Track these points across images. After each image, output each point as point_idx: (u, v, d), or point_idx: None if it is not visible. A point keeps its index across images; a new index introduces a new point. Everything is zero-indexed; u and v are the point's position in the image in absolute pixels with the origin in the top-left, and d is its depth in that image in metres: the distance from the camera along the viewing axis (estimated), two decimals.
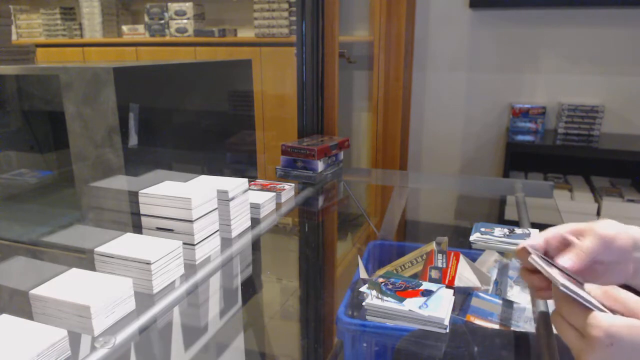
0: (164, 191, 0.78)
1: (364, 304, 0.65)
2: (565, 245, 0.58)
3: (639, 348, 0.41)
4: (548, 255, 0.58)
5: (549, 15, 2.37)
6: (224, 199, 0.86)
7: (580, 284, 0.51)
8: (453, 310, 0.64)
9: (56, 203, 1.33)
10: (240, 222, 0.91)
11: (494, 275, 0.96)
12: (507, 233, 0.89)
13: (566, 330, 0.48)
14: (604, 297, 0.49)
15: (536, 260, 0.53)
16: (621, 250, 0.55)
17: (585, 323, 0.45)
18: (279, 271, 1.29)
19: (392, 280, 0.75)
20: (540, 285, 0.57)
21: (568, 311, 0.48)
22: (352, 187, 1.45)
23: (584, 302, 0.46)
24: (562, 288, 0.47)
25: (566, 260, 0.55)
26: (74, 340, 0.56)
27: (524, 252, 0.55)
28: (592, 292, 0.50)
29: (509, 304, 0.85)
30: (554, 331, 0.58)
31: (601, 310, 0.46)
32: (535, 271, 0.56)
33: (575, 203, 2.16)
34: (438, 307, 0.62)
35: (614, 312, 0.47)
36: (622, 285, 0.54)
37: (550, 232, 0.59)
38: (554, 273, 0.50)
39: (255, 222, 0.98)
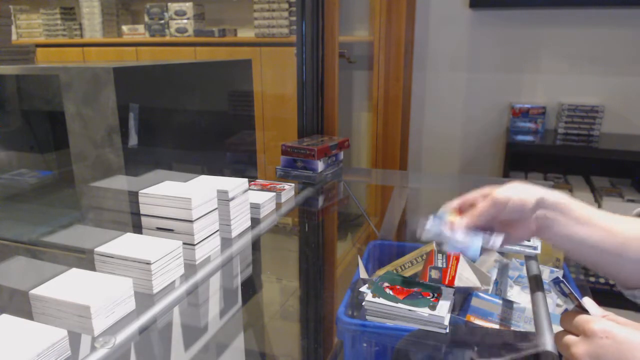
0: (164, 191, 0.78)
1: (363, 303, 0.65)
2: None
3: (628, 343, 0.47)
4: (462, 212, 0.68)
5: (549, 15, 2.37)
6: (224, 199, 0.86)
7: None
8: (453, 310, 0.64)
9: (56, 203, 1.33)
10: (240, 222, 0.91)
11: (494, 275, 0.96)
12: None
13: (566, 338, 0.53)
14: None
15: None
16: (518, 211, 0.62)
17: (586, 322, 0.50)
18: (279, 271, 1.29)
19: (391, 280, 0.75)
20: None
21: (571, 322, 0.53)
22: (352, 187, 1.45)
23: (587, 306, 0.52)
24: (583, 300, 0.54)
25: (459, 221, 0.65)
26: (74, 340, 0.56)
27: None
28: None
29: (509, 304, 0.85)
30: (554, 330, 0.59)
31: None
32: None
33: None
34: (438, 307, 0.62)
35: None
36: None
37: (465, 196, 0.69)
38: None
39: (255, 222, 0.98)
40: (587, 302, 0.53)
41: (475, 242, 0.63)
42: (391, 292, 0.68)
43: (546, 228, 0.63)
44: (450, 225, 0.66)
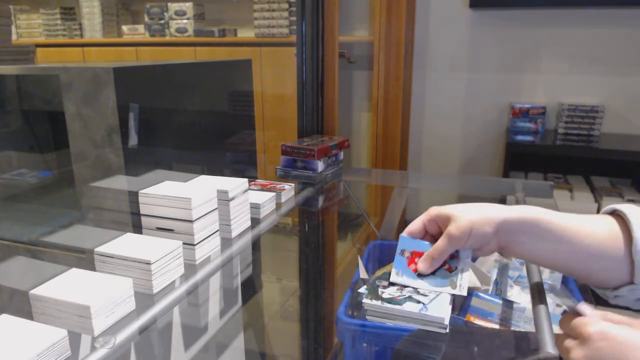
0: (164, 191, 0.78)
1: (363, 303, 0.64)
2: (439, 226, 0.66)
3: (626, 343, 0.47)
4: (427, 235, 0.67)
5: (549, 15, 2.37)
6: (224, 199, 0.86)
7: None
8: (453, 310, 0.64)
9: (56, 203, 1.33)
10: (240, 222, 0.91)
11: (494, 275, 0.96)
12: None
13: (566, 342, 0.53)
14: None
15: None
16: (479, 240, 0.62)
17: (583, 325, 0.51)
18: (279, 271, 1.29)
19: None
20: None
21: (569, 324, 0.53)
22: (352, 187, 1.45)
23: (583, 312, 0.53)
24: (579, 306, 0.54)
25: (422, 266, 0.65)
26: (74, 340, 0.56)
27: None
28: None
29: (509, 304, 0.85)
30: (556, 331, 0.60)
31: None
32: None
33: (575, 203, 2.17)
34: (438, 307, 0.62)
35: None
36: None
37: (425, 216, 0.67)
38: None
39: (255, 222, 0.98)
40: (582, 307, 0.53)
41: (444, 291, 0.64)
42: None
43: (512, 248, 0.62)
44: (415, 268, 0.66)
